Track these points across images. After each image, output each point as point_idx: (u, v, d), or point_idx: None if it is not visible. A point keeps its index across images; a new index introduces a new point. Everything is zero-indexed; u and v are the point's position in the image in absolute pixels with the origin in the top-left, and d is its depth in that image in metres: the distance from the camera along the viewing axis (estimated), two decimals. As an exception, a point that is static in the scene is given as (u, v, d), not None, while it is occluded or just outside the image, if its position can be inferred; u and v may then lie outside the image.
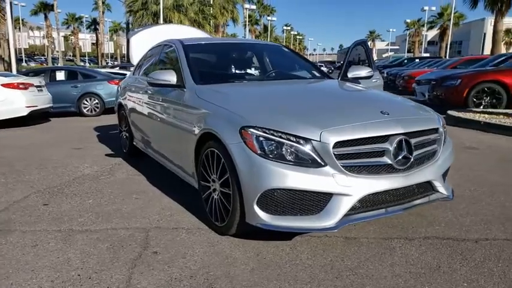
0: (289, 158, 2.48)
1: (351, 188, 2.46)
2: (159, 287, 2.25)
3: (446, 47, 40.73)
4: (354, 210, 2.52)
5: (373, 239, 2.85)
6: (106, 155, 5.57)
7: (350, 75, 4.14)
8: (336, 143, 2.45)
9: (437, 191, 2.89)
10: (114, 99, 11.18)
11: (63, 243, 2.78)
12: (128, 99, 5.11)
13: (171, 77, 3.54)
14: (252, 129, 2.57)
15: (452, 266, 2.47)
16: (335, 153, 2.45)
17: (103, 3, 45.60)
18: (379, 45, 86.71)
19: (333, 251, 2.67)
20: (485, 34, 58.40)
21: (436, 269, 2.43)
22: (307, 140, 2.48)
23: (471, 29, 59.14)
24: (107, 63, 46.59)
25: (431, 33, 59.04)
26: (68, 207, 3.50)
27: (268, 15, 57.46)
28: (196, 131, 3.07)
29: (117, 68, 14.60)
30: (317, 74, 4.23)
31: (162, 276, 2.36)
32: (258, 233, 2.77)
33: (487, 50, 50.70)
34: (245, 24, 45.17)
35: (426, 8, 48.37)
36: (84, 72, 11.58)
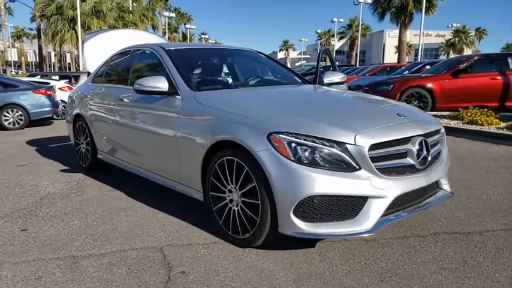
0: (323, 163, 2.44)
1: (385, 190, 2.49)
2: (210, 309, 2.07)
3: (356, 56, 43.78)
4: (386, 211, 2.55)
5: (391, 239, 2.91)
6: (61, 170, 5.02)
7: (326, 80, 4.23)
8: (371, 145, 2.47)
9: (442, 189, 3.06)
10: (40, 110, 10.28)
11: (71, 272, 2.44)
12: (90, 109, 4.67)
13: (163, 84, 3.31)
14: (282, 135, 2.48)
15: (475, 258, 2.61)
16: (370, 156, 2.47)
17: (4, 6, 41.48)
18: (292, 54, 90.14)
19: (362, 254, 2.68)
20: (384, 45, 64.03)
21: (464, 263, 2.55)
22: (341, 144, 2.46)
23: (372, 40, 64.45)
24: (11, 71, 42.40)
25: (339, 43, 63.05)
26: (53, 231, 3.08)
27: (185, 24, 56.87)
28: (206, 139, 2.89)
29: (38, 76, 13.32)
30: (299, 80, 4.25)
31: (207, 298, 2.17)
32: (279, 241, 2.70)
33: (387, 59, 55.49)
34: (165, 32, 44.21)
35: (335, 19, 51.65)
36: (3, 81, 10.40)
